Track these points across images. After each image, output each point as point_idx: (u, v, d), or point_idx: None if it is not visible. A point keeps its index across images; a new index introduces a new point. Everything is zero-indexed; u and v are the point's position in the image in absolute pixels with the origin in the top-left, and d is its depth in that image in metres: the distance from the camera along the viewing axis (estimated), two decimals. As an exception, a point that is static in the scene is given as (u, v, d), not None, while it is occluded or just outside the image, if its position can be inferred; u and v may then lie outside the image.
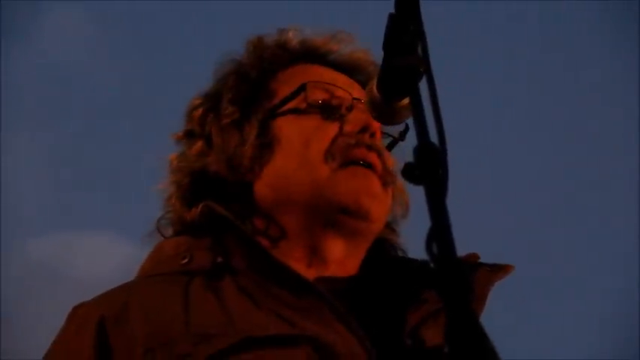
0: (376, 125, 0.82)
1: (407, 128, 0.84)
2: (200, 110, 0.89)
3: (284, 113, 0.86)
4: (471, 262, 0.77)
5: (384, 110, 0.67)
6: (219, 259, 0.76)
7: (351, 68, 0.91)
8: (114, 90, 3.70)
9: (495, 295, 0.77)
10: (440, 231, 0.48)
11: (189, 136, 0.90)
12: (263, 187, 0.84)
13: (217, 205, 0.79)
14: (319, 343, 0.68)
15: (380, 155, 0.83)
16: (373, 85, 0.66)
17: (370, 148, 0.82)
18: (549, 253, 3.30)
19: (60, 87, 3.55)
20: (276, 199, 0.83)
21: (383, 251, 0.88)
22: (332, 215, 0.80)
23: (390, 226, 0.89)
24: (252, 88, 0.88)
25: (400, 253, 0.89)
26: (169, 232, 0.87)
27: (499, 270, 0.79)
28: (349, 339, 0.69)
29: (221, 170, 0.84)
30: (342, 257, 0.82)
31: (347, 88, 0.86)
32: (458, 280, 0.46)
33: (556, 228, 3.41)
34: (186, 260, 0.77)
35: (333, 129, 0.83)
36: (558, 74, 3.48)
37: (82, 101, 3.55)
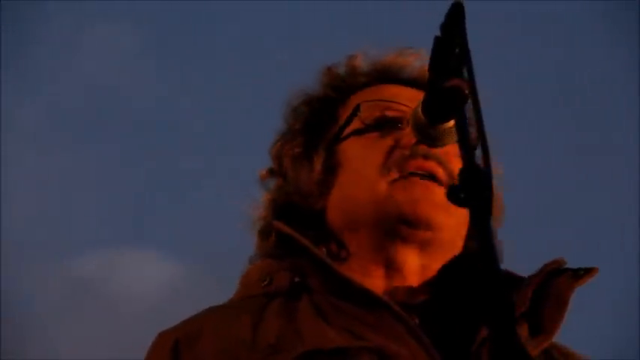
0: None
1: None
2: (277, 146, 0.92)
3: (346, 137, 0.87)
4: (555, 267, 0.78)
5: (428, 132, 0.67)
6: (297, 279, 0.78)
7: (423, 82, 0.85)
8: (161, 104, 3.83)
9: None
10: (486, 253, 0.48)
11: (271, 173, 0.93)
12: (332, 211, 0.86)
13: (284, 225, 0.82)
14: (384, 353, 0.69)
15: (441, 163, 0.82)
16: (419, 107, 0.67)
17: (427, 157, 0.81)
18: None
19: (106, 101, 3.64)
20: (345, 221, 0.85)
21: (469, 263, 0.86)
22: (396, 228, 0.81)
23: None
24: (320, 117, 0.90)
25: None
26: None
27: (584, 274, 0.79)
28: (417, 351, 0.70)
29: (295, 200, 0.87)
30: (418, 268, 0.82)
31: (408, 102, 0.84)
32: (500, 302, 0.46)
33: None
34: (266, 283, 0.80)
35: (388, 143, 0.83)
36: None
37: (128, 116, 3.65)
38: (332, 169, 0.86)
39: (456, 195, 0.51)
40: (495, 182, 0.54)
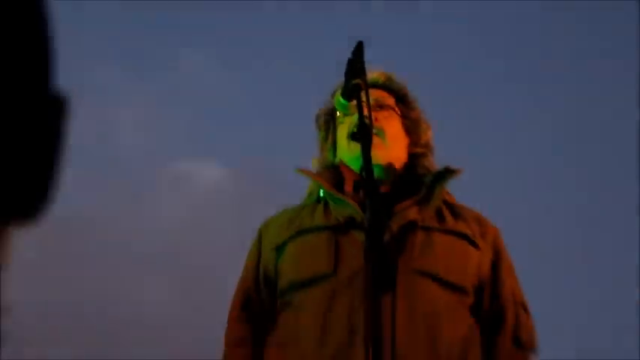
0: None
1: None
2: (322, 119, 1.56)
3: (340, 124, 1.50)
4: (441, 170, 1.41)
5: (345, 106, 1.28)
6: (320, 196, 1.41)
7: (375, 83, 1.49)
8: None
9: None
10: (368, 168, 1.11)
11: (321, 135, 1.56)
12: (341, 162, 1.48)
13: (305, 170, 1.50)
14: (343, 220, 1.31)
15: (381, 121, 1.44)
16: (339, 94, 1.28)
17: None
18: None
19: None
20: (341, 161, 1.46)
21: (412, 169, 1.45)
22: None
23: (417, 153, 1.47)
24: (330, 114, 1.54)
25: (421, 170, 1.45)
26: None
27: (454, 172, 1.39)
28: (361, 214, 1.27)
29: (326, 157, 1.53)
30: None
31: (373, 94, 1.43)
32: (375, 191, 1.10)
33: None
34: (307, 196, 1.46)
35: (351, 120, 1.40)
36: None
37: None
38: (334, 140, 1.51)
39: (354, 136, 1.15)
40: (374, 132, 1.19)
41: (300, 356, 1.20)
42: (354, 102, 1.20)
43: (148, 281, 4.14)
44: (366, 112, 1.19)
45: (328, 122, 1.52)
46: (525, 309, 1.33)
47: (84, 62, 3.88)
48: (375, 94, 1.43)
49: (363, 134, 1.14)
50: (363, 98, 1.18)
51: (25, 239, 0.33)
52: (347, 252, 1.25)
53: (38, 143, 0.31)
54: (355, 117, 1.26)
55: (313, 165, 1.53)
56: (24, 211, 0.31)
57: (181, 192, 4.85)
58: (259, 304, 1.36)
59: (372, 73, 1.44)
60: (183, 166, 4.86)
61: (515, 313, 1.31)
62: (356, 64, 1.20)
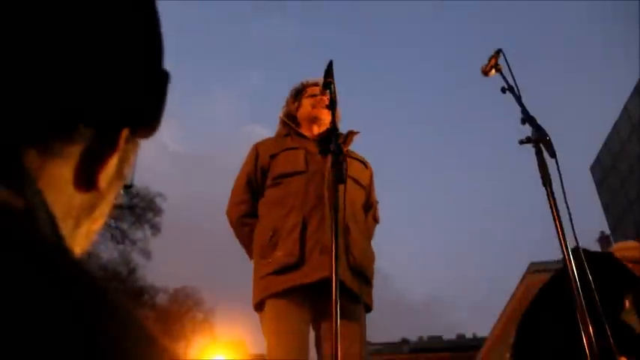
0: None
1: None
2: (292, 95, 2.70)
3: (303, 98, 2.70)
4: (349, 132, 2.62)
5: (323, 91, 2.40)
6: (289, 132, 2.65)
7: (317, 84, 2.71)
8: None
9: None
10: (334, 127, 2.18)
11: (291, 97, 2.71)
12: (300, 116, 2.68)
13: (283, 117, 2.62)
14: (307, 149, 2.47)
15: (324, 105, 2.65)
16: (321, 85, 2.38)
17: (320, 104, 2.66)
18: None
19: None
20: (302, 119, 2.67)
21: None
22: (315, 118, 2.66)
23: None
24: (300, 91, 2.71)
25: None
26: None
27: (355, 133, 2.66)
28: (315, 148, 2.49)
29: (292, 111, 2.67)
30: (323, 127, 2.68)
31: (317, 91, 2.71)
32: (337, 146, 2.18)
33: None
34: (283, 133, 2.67)
35: (313, 98, 2.65)
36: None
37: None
38: (299, 106, 2.66)
39: (329, 106, 2.25)
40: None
41: (288, 209, 2.31)
42: (327, 91, 2.29)
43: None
44: (332, 97, 2.27)
45: (298, 92, 2.77)
46: (377, 203, 2.73)
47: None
48: (317, 89, 2.71)
49: (332, 108, 2.22)
50: (332, 89, 2.28)
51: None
52: (311, 160, 2.48)
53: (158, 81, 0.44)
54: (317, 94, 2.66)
55: (283, 111, 2.75)
56: (149, 123, 0.44)
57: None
58: (256, 183, 2.53)
59: (318, 79, 2.65)
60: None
61: (375, 205, 2.70)
62: (328, 71, 2.27)
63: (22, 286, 0.24)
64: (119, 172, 0.45)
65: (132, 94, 0.42)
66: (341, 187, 2.05)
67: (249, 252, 2.49)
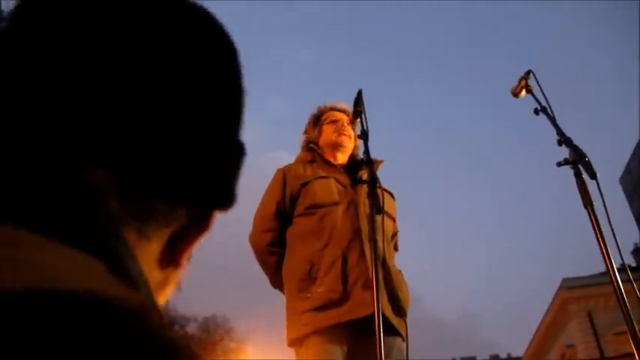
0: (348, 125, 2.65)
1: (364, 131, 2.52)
2: (311, 121, 2.68)
3: (322, 124, 2.68)
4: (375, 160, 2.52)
5: (352, 121, 2.40)
6: (314, 158, 2.63)
7: (344, 111, 2.76)
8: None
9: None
10: (368, 157, 2.16)
11: (310, 124, 2.72)
12: (322, 142, 2.64)
13: (309, 143, 2.61)
14: (337, 179, 2.44)
15: (348, 133, 2.66)
16: (350, 114, 2.37)
17: (343, 131, 2.63)
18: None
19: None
20: (324, 145, 2.65)
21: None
22: (337, 147, 2.62)
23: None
24: (318, 117, 2.69)
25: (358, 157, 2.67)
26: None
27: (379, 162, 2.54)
28: (343, 177, 2.49)
29: (313, 138, 2.65)
30: (345, 157, 2.69)
31: (342, 117, 2.73)
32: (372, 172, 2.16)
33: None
34: (308, 159, 2.63)
35: (336, 126, 2.62)
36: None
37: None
38: (320, 132, 2.62)
39: (362, 136, 2.23)
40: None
41: (325, 242, 2.27)
42: (358, 118, 2.29)
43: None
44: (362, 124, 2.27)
45: (317, 119, 2.74)
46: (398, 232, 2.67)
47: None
48: (346, 117, 2.72)
49: (365, 137, 2.21)
50: (363, 118, 2.27)
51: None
52: (342, 190, 2.45)
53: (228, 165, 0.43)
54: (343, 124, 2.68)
55: (303, 137, 2.75)
56: (223, 201, 0.44)
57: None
58: (285, 211, 2.45)
59: (344, 105, 2.72)
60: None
61: (397, 234, 2.64)
62: (358, 100, 2.27)
63: None
64: None
65: (221, 172, 0.42)
66: (378, 218, 2.01)
67: (274, 281, 2.46)
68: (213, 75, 0.41)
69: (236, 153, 0.44)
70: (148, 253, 0.38)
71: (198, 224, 0.42)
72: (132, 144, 0.35)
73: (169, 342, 0.27)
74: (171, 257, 0.41)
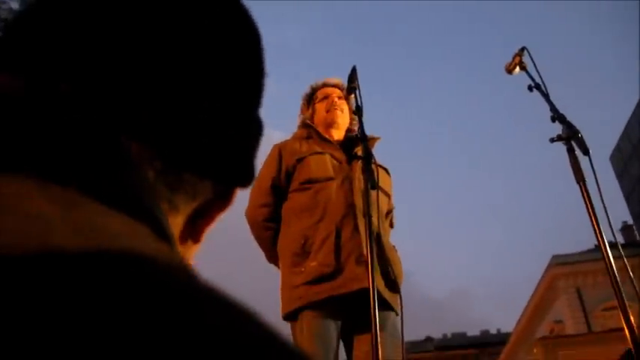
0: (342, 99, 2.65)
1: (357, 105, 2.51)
2: (305, 98, 2.68)
3: (315, 102, 2.67)
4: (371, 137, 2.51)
5: (346, 97, 2.39)
6: (310, 135, 2.57)
7: (336, 85, 2.74)
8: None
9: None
10: (363, 133, 2.16)
11: (304, 104, 2.71)
12: (317, 121, 2.62)
13: (305, 121, 2.59)
14: (332, 155, 2.44)
15: (339, 107, 2.66)
16: (344, 88, 2.36)
17: (334, 106, 2.62)
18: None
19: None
20: (318, 124, 2.61)
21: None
22: (330, 124, 2.61)
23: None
24: (311, 95, 2.69)
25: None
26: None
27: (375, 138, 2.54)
28: (339, 152, 2.49)
29: (308, 118, 2.64)
30: (341, 131, 2.66)
31: (333, 91, 2.70)
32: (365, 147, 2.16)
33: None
34: (304, 135, 2.57)
35: (327, 102, 2.61)
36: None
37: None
38: (314, 111, 2.62)
39: (357, 110, 2.23)
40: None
41: (319, 217, 2.28)
42: (352, 95, 2.28)
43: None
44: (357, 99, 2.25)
45: (310, 97, 2.72)
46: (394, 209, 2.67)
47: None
48: (337, 91, 2.71)
49: (359, 114, 2.20)
50: (357, 94, 2.26)
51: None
52: (337, 166, 2.45)
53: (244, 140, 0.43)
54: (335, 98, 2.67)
55: (299, 118, 2.73)
56: (245, 178, 0.44)
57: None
58: (280, 186, 2.46)
59: (336, 80, 2.71)
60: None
61: (393, 211, 2.64)
62: (352, 76, 2.26)
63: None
64: None
65: (245, 148, 0.43)
66: (372, 194, 2.02)
67: (270, 256, 2.48)
68: (241, 57, 0.44)
69: (256, 130, 0.46)
70: (174, 225, 0.39)
71: (221, 199, 0.43)
72: (166, 118, 0.36)
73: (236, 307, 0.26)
74: (191, 232, 0.42)
